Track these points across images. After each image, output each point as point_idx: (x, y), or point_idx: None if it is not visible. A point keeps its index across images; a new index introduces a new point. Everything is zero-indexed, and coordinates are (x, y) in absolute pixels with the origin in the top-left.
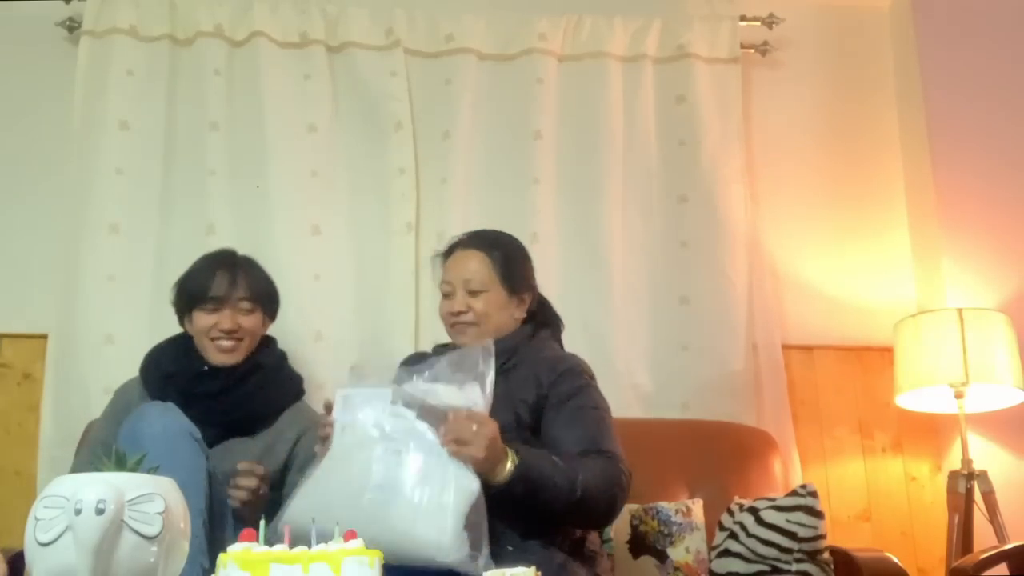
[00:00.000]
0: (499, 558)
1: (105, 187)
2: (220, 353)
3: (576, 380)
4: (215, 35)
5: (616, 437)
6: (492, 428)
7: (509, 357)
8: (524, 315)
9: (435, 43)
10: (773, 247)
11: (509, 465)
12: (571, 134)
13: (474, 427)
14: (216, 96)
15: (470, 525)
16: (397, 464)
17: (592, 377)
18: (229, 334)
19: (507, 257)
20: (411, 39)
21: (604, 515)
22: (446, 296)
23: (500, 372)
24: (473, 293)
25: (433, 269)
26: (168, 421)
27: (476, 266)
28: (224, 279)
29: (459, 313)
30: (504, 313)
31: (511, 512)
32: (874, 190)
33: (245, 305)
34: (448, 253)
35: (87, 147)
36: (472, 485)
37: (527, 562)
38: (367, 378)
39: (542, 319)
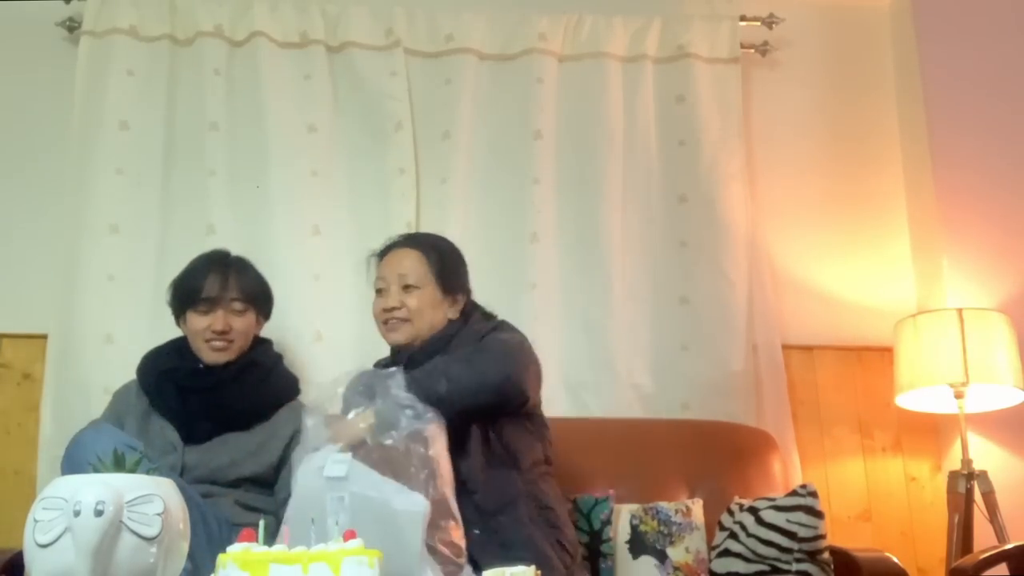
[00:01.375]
0: (468, 543)
1: (105, 187)
2: (213, 352)
3: (496, 332)
4: (215, 35)
5: (512, 355)
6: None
7: (444, 348)
8: (458, 315)
9: (435, 43)
10: (773, 247)
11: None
12: (571, 134)
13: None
14: (216, 96)
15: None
16: (345, 514)
17: (518, 332)
18: (221, 335)
19: (442, 257)
20: (411, 39)
21: (483, 386)
22: (379, 293)
23: None
24: (407, 288)
25: (368, 270)
26: (105, 440)
27: (411, 263)
28: (216, 280)
29: (392, 309)
30: (437, 311)
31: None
32: (874, 190)
33: (237, 306)
34: (383, 253)
35: (87, 147)
36: (420, 507)
37: (497, 543)
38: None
39: (478, 317)
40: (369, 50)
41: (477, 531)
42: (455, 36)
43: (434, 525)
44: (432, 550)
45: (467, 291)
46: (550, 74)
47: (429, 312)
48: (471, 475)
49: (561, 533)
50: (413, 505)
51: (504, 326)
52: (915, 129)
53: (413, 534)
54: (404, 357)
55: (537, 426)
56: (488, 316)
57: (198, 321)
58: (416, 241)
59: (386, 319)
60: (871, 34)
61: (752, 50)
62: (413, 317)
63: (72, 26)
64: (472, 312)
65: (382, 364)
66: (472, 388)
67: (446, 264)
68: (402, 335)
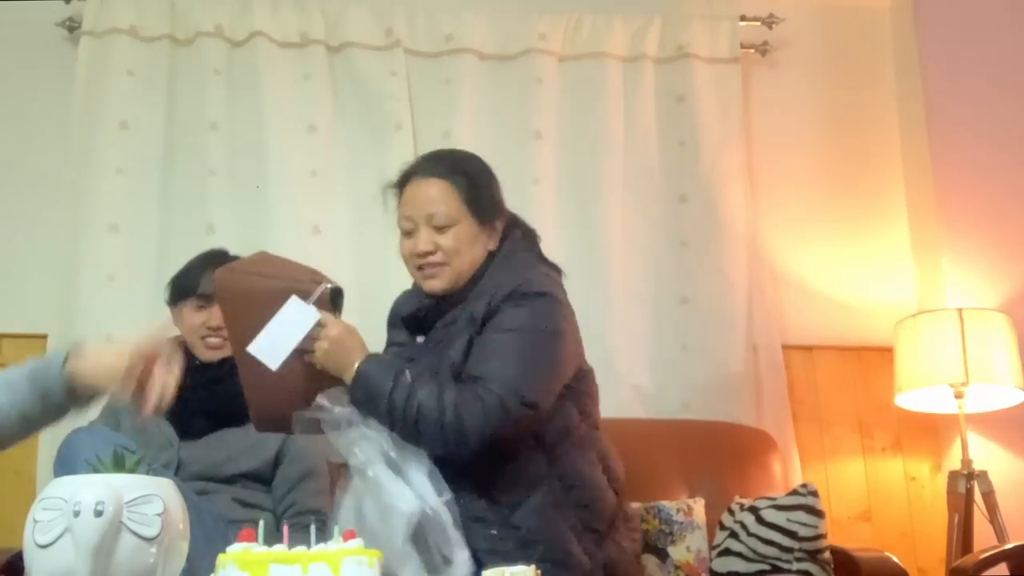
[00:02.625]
0: (484, 545)
1: (105, 187)
2: (208, 350)
3: (511, 302)
4: (215, 35)
5: (530, 361)
6: (337, 331)
7: (474, 288)
8: (496, 244)
9: (435, 43)
10: (773, 247)
11: (355, 367)
12: (571, 134)
13: (324, 343)
14: (216, 96)
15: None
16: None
17: (542, 294)
18: (216, 331)
19: (473, 181)
20: (411, 39)
21: (449, 437)
22: (407, 234)
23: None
24: (439, 228)
25: (385, 202)
26: (97, 441)
27: (439, 196)
28: (212, 276)
29: (425, 254)
30: (476, 247)
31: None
32: (874, 190)
33: None
34: (403, 183)
35: (87, 147)
36: (410, 506)
37: (516, 542)
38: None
39: (518, 234)
40: (369, 50)
41: (494, 531)
42: (455, 36)
43: None
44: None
45: (503, 213)
46: (550, 74)
47: (468, 249)
48: (482, 466)
49: (588, 512)
50: (402, 502)
51: (524, 303)
52: (915, 129)
53: (397, 531)
54: (431, 304)
55: (572, 387)
56: (529, 238)
57: (194, 317)
58: (440, 167)
59: (420, 264)
60: (871, 34)
61: (752, 50)
62: (450, 260)
63: (72, 26)
64: (511, 231)
65: (409, 302)
66: (438, 444)
67: (478, 189)
68: (441, 281)
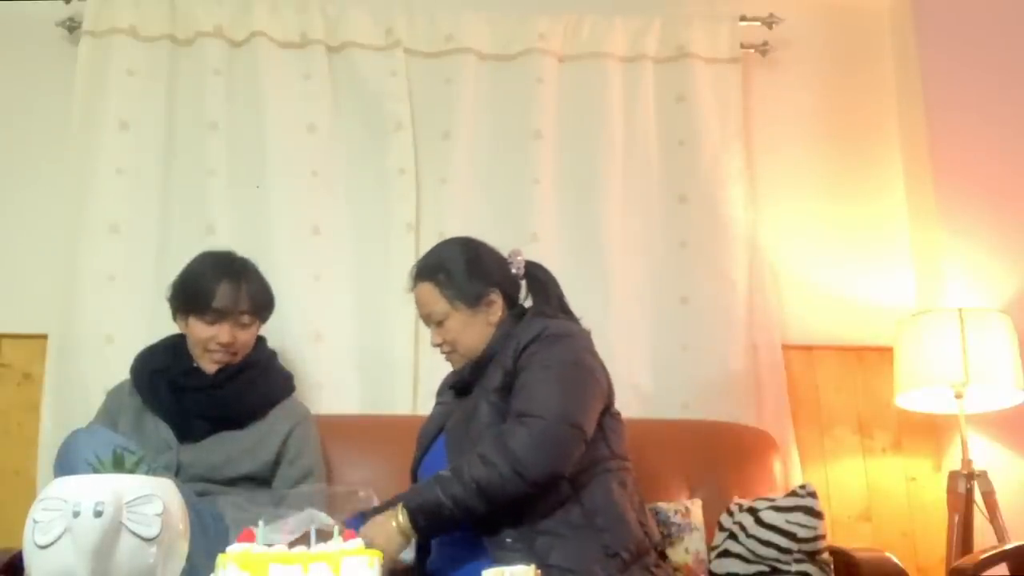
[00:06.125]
0: (499, 552)
1: (105, 187)
2: (213, 364)
3: (537, 344)
4: (215, 35)
5: (570, 389)
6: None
7: (486, 366)
8: (500, 312)
9: (435, 43)
10: (773, 247)
11: (401, 518)
12: (571, 134)
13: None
14: (216, 96)
15: None
16: None
17: (566, 335)
18: (225, 347)
19: (451, 273)
20: (411, 39)
21: (512, 479)
22: (429, 328)
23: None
24: (438, 324)
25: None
26: (97, 442)
27: (427, 298)
28: (228, 290)
29: (438, 345)
30: (474, 328)
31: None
32: (874, 190)
33: (245, 319)
34: (412, 289)
35: (87, 147)
36: None
37: (532, 554)
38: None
39: (533, 290)
40: (369, 50)
41: (510, 539)
42: (455, 36)
43: None
44: None
45: (496, 284)
46: (550, 74)
47: (468, 333)
48: None
49: (610, 536)
50: None
51: (550, 342)
52: (915, 129)
53: None
54: (468, 370)
55: (600, 423)
56: (542, 296)
57: (203, 330)
58: (422, 271)
59: (441, 352)
60: (871, 34)
61: (752, 50)
62: (456, 346)
63: (72, 26)
64: (528, 286)
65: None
66: (510, 491)
67: (457, 279)
68: (459, 363)
